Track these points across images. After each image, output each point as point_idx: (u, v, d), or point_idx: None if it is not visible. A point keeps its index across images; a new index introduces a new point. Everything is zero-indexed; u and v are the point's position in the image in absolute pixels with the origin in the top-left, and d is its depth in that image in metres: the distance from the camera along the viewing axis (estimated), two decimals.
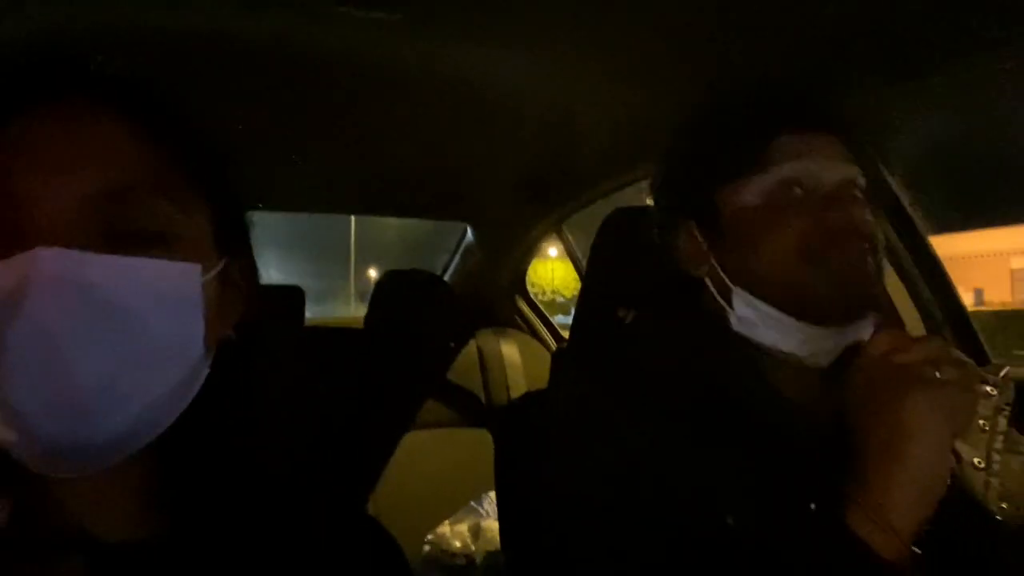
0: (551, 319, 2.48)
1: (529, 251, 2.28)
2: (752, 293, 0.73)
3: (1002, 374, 0.62)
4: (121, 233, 0.43)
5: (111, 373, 0.41)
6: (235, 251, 0.51)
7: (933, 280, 1.21)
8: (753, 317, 0.73)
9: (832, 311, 0.70)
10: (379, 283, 2.07)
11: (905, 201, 1.19)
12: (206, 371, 0.48)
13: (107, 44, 0.95)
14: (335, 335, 2.05)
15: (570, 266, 2.14)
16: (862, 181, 0.74)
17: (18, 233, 0.41)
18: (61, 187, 0.42)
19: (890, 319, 1.19)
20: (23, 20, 0.88)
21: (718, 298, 0.76)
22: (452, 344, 2.11)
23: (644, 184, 1.58)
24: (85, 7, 0.88)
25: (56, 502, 0.45)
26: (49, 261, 0.39)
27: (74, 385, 0.40)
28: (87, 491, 0.46)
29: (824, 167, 0.72)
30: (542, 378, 1.27)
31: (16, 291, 0.39)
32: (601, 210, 1.80)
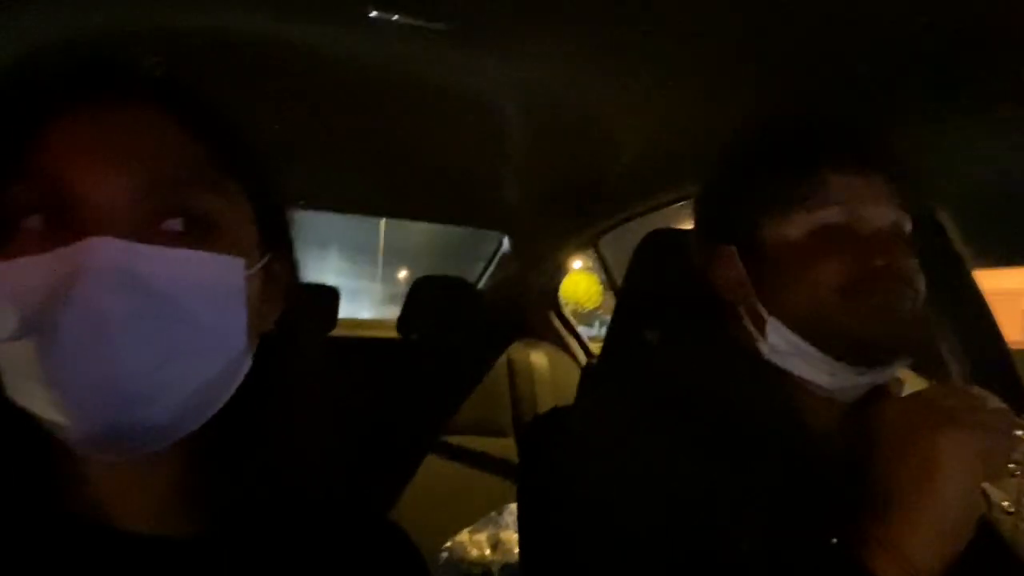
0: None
1: (563, 265, 2.28)
2: (788, 325, 0.72)
3: None
4: (168, 224, 0.45)
5: (157, 361, 0.42)
6: (277, 247, 0.53)
7: (977, 320, 1.19)
8: (786, 348, 0.73)
9: (866, 352, 0.70)
10: (413, 288, 2.09)
11: (953, 236, 1.17)
12: (248, 363, 0.49)
13: (140, 47, 0.98)
14: (369, 344, 2.07)
15: (593, 278, 2.14)
16: (908, 226, 0.74)
17: (69, 224, 0.42)
18: (110, 179, 0.44)
19: (935, 364, 1.16)
20: (60, 20, 0.92)
21: (750, 327, 0.75)
22: (488, 355, 2.12)
23: (679, 206, 1.59)
24: (124, 11, 0.91)
25: (91, 489, 0.47)
26: (101, 250, 0.41)
27: (121, 371, 0.41)
28: (123, 481, 0.47)
29: (872, 211, 0.72)
30: (571, 392, 1.26)
31: (68, 279, 0.40)
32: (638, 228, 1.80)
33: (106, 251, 0.41)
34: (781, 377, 0.74)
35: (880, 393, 0.75)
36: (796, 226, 0.72)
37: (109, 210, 0.43)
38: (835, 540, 0.60)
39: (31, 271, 0.41)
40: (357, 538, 0.57)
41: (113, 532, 0.46)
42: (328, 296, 1.90)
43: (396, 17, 0.86)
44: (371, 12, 0.86)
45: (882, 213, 0.72)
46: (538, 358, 2.22)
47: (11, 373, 0.43)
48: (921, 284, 0.71)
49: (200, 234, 0.45)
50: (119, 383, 0.41)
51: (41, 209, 0.43)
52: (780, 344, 0.73)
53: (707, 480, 0.65)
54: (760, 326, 0.74)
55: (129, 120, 0.46)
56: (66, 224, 0.42)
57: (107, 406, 0.41)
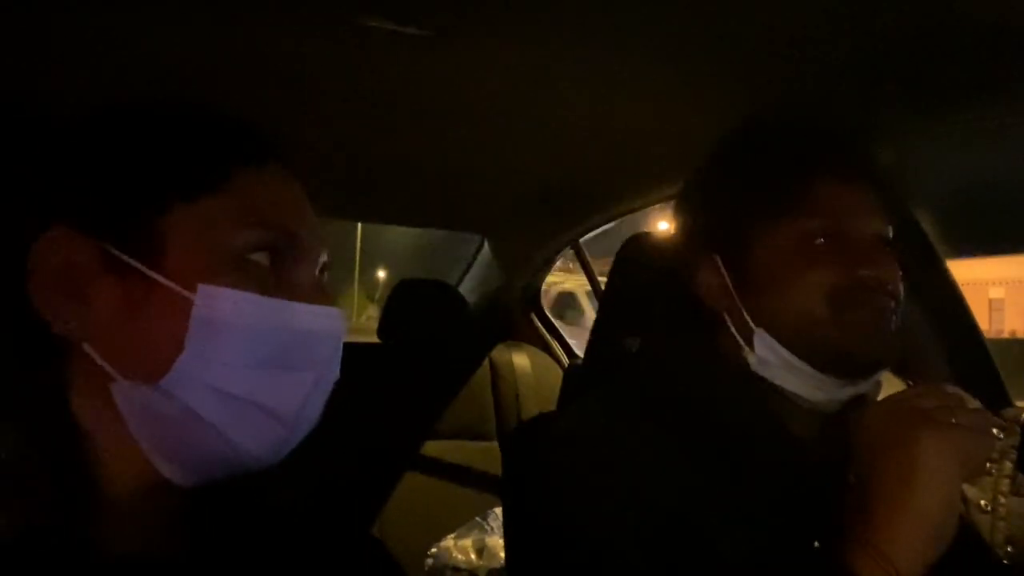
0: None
1: (545, 266, 2.28)
2: (774, 336, 0.72)
3: (1022, 417, 0.62)
4: None
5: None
6: None
7: (953, 312, 1.20)
8: (774, 360, 0.72)
9: (851, 365, 0.70)
10: (394, 292, 2.08)
11: (929, 231, 1.18)
12: None
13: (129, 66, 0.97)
14: (348, 349, 2.05)
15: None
16: (891, 234, 0.74)
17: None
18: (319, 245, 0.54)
19: (915, 365, 1.17)
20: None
21: (737, 336, 0.75)
22: (471, 358, 2.11)
23: (659, 207, 1.59)
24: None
25: (85, 514, 0.46)
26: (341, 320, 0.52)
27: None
28: (139, 506, 0.47)
29: (860, 222, 0.72)
30: (553, 394, 1.26)
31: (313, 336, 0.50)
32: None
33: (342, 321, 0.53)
34: (766, 388, 0.73)
35: (861, 400, 0.75)
36: (782, 235, 0.72)
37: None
38: (817, 544, 0.61)
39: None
40: (337, 552, 0.56)
41: (106, 555, 0.45)
42: None
43: (382, 24, 0.85)
44: (357, 19, 0.85)
45: (868, 222, 0.72)
46: (520, 360, 2.22)
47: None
48: (902, 292, 0.72)
49: None
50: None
51: None
52: (768, 356, 0.72)
53: (692, 491, 0.65)
54: (747, 336, 0.74)
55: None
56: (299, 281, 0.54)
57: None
